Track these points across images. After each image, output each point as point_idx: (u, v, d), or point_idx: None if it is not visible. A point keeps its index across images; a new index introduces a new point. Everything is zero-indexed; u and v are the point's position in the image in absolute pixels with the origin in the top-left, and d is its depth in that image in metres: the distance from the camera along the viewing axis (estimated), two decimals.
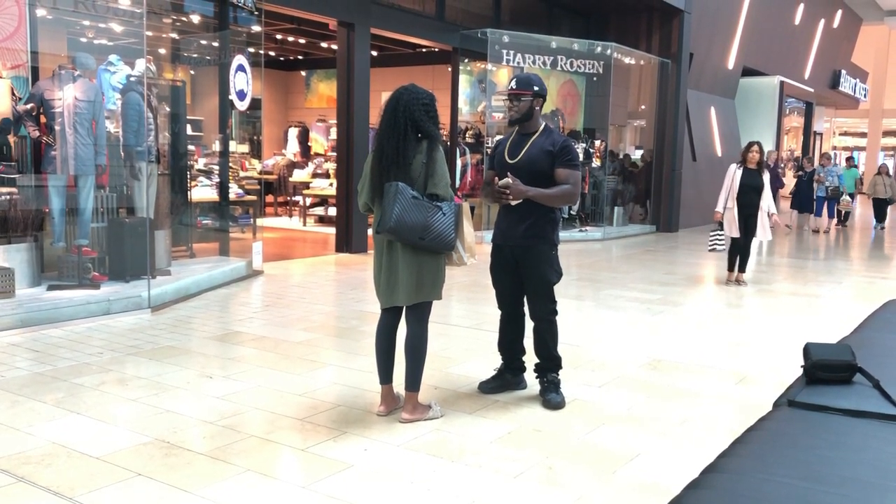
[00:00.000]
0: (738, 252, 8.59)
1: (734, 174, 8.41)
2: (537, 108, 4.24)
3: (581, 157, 12.41)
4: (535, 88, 4.20)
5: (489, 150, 12.15)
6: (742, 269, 8.65)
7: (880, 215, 17.34)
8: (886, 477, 1.88)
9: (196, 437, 3.67)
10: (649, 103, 15.59)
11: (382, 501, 3.04)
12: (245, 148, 13.13)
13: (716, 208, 8.62)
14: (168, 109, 8.36)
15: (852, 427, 2.21)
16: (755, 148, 8.42)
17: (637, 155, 16.23)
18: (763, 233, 8.51)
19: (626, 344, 5.75)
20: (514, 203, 4.14)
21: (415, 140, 3.78)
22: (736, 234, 8.44)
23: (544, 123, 4.31)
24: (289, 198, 15.31)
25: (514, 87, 4.21)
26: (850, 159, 17.64)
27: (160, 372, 4.69)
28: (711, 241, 8.73)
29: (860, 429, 2.20)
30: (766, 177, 8.48)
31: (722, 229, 8.58)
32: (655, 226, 15.15)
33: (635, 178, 15.44)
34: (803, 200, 15.53)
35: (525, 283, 4.27)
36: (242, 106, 8.86)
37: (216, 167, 9.88)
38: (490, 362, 4.85)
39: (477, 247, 4.07)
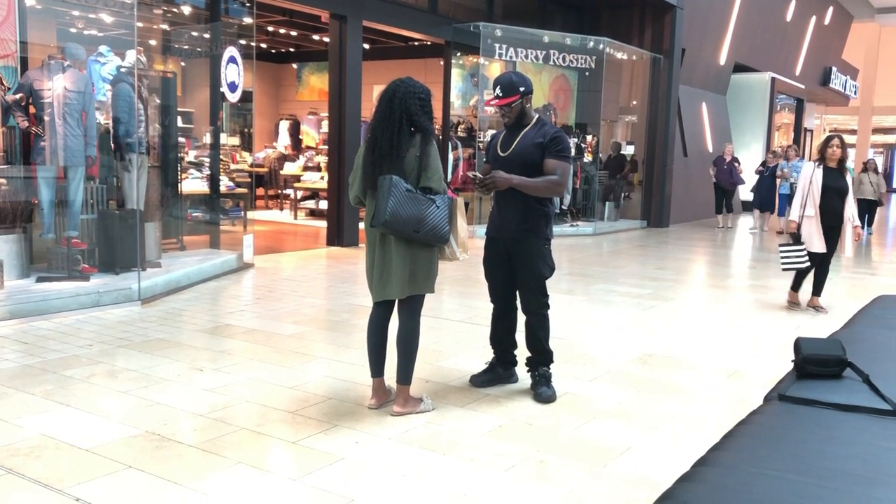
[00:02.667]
0: (813, 269, 7.06)
1: (812, 175, 6.88)
2: (527, 105, 4.24)
3: (573, 151, 12.43)
4: (522, 89, 4.16)
5: (482, 145, 12.20)
6: (818, 292, 7.14)
7: (866, 219, 14.44)
8: (876, 470, 1.89)
9: (187, 429, 3.66)
10: (641, 99, 15.61)
11: (373, 494, 3.04)
12: (236, 140, 13.10)
13: (789, 217, 7.13)
14: (158, 101, 8.31)
15: (842, 421, 2.22)
16: (836, 142, 6.89)
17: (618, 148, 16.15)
18: (846, 247, 7.00)
19: (618, 338, 5.77)
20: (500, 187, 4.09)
21: (408, 133, 3.77)
22: (818, 249, 6.87)
23: (537, 116, 4.30)
24: (280, 191, 15.27)
25: (501, 95, 4.16)
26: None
27: (150, 364, 4.67)
28: (785, 257, 6.97)
29: (850, 423, 2.21)
30: (850, 178, 7.03)
31: (796, 242, 6.93)
32: (646, 221, 15.19)
33: (609, 170, 15.25)
34: (764, 198, 14.20)
35: (517, 276, 4.27)
36: (233, 98, 8.82)
37: (207, 159, 9.83)
38: (481, 356, 4.85)
39: (470, 241, 4.06)
